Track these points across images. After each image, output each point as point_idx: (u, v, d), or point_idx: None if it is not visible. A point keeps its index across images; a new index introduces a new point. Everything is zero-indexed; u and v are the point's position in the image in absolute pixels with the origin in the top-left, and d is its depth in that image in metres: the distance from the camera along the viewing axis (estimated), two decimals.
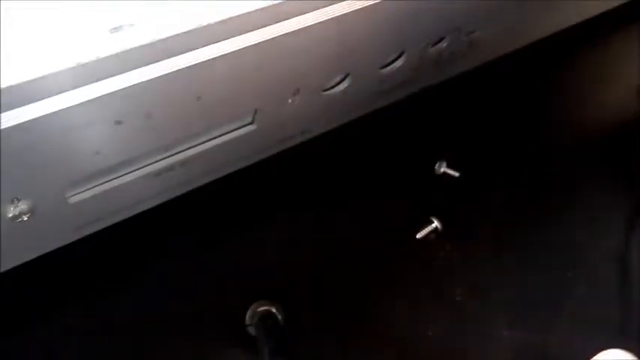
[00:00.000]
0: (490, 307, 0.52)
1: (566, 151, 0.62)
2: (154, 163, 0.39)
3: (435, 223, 0.54)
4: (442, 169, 0.56)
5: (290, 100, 0.42)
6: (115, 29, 0.30)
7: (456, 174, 0.56)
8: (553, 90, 0.66)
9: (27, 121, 0.29)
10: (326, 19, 0.36)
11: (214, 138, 0.41)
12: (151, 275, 0.48)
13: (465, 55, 0.54)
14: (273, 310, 0.47)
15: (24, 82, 0.28)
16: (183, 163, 0.40)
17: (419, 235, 0.53)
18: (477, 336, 0.51)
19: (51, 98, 0.29)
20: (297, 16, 0.36)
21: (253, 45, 0.34)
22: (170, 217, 0.47)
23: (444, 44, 0.49)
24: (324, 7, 0.36)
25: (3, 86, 0.27)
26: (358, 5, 0.37)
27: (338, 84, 0.45)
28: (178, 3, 0.32)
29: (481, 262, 0.53)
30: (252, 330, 0.47)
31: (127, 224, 0.44)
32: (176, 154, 0.40)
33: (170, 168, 0.40)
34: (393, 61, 0.47)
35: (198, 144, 0.40)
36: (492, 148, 0.59)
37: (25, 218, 0.33)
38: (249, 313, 0.47)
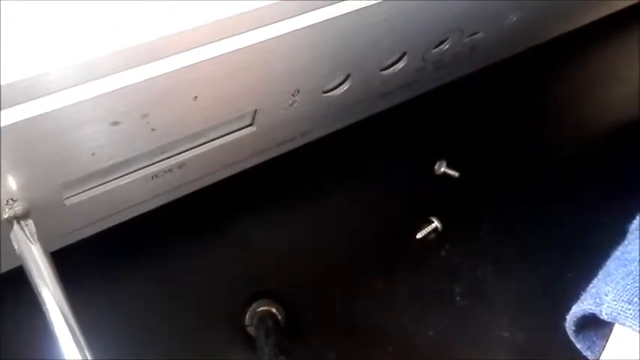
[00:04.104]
0: (490, 308, 0.51)
1: (566, 151, 0.61)
2: (151, 165, 0.38)
3: (435, 223, 0.52)
4: (442, 169, 0.55)
5: (290, 102, 0.41)
6: (111, 28, 0.29)
7: (456, 174, 0.55)
8: (553, 90, 0.65)
9: (23, 120, 0.28)
10: (324, 19, 0.35)
11: (213, 140, 0.40)
12: (150, 274, 0.47)
13: (468, 57, 0.53)
14: (273, 310, 0.46)
15: (21, 80, 0.27)
16: (181, 166, 0.39)
17: (419, 235, 0.52)
18: (478, 336, 0.50)
19: (46, 97, 0.28)
20: (294, 16, 0.34)
21: (251, 46, 0.33)
22: (168, 217, 0.46)
23: (445, 46, 0.48)
24: (323, 7, 0.35)
25: (3, 84, 0.26)
26: (358, 5, 0.36)
27: (339, 86, 0.44)
28: (175, 3, 0.31)
29: (481, 262, 0.52)
30: (252, 330, 0.46)
31: (125, 224, 0.43)
32: (174, 156, 0.39)
33: (168, 170, 0.39)
34: (394, 63, 0.46)
35: (197, 146, 0.39)
36: (492, 148, 0.58)
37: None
38: (249, 313, 0.46)
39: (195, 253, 0.48)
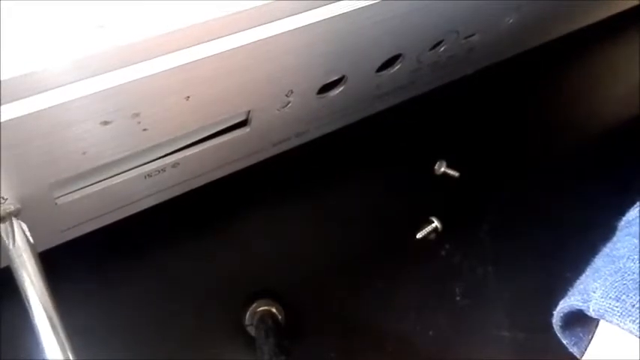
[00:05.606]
0: (490, 308, 0.50)
1: (566, 152, 0.60)
2: (144, 164, 0.38)
3: (435, 223, 0.52)
4: (442, 169, 0.55)
5: (284, 103, 0.40)
6: (100, 27, 0.29)
7: (456, 174, 0.55)
8: (553, 91, 0.64)
9: (11, 119, 0.27)
10: (318, 20, 0.35)
11: (207, 140, 0.40)
12: (150, 274, 0.46)
13: (465, 59, 0.52)
14: (273, 310, 0.46)
15: (8, 79, 0.26)
16: (175, 165, 0.39)
17: (419, 235, 0.52)
18: (478, 336, 0.49)
19: (35, 96, 0.28)
20: (288, 16, 0.34)
21: (244, 46, 0.32)
22: (168, 216, 0.46)
23: (441, 48, 0.47)
24: (317, 7, 0.35)
25: None
26: (353, 6, 0.35)
27: (333, 87, 0.43)
28: (168, 2, 0.30)
29: (481, 262, 0.52)
30: (252, 330, 0.45)
31: (121, 223, 0.43)
32: (167, 155, 0.38)
33: (162, 169, 0.38)
34: (390, 65, 0.45)
35: (191, 146, 0.39)
36: (492, 148, 0.58)
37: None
38: (249, 313, 0.46)
39: (194, 253, 0.48)
